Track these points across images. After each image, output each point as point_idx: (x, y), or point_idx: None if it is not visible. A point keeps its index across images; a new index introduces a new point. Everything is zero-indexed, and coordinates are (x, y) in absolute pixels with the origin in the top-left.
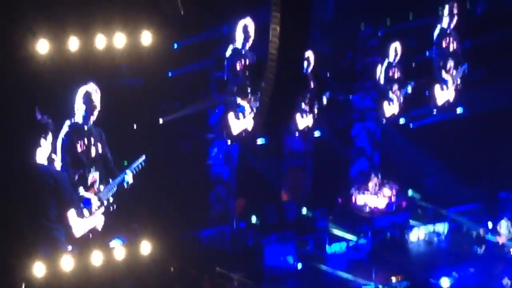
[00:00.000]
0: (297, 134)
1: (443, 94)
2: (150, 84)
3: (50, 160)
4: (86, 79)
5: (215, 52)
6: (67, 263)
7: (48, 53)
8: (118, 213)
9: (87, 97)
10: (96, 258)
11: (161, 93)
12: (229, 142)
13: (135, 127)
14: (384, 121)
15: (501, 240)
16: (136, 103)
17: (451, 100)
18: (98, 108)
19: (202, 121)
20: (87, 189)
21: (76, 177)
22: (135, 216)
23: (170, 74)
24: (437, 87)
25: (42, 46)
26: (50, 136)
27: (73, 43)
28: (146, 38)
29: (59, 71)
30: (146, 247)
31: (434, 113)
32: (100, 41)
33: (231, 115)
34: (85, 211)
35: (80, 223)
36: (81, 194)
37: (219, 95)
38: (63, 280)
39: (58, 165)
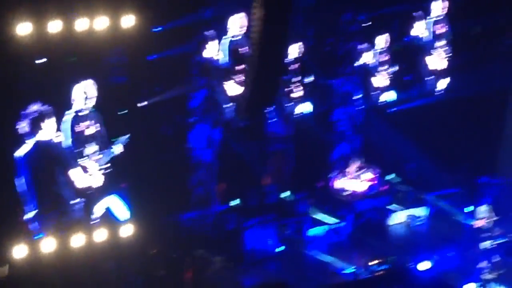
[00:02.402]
0: (290, 103)
1: (435, 62)
2: (131, 67)
3: (52, 138)
4: (85, 76)
5: (197, 35)
6: (48, 244)
7: (29, 36)
8: (112, 175)
9: (86, 90)
10: (77, 239)
11: (142, 77)
12: (228, 105)
13: (123, 112)
14: (376, 92)
15: (479, 223)
16: (120, 91)
17: (442, 67)
18: (95, 97)
19: (183, 105)
20: (88, 158)
21: (80, 149)
22: (123, 178)
23: (151, 58)
24: (430, 58)
25: (24, 29)
26: (51, 119)
27: (55, 26)
28: (128, 21)
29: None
30: (127, 230)
31: (432, 77)
32: (81, 25)
33: (230, 82)
34: (87, 173)
35: (82, 177)
36: (83, 161)
37: (201, 79)
38: (44, 262)
39: (57, 140)
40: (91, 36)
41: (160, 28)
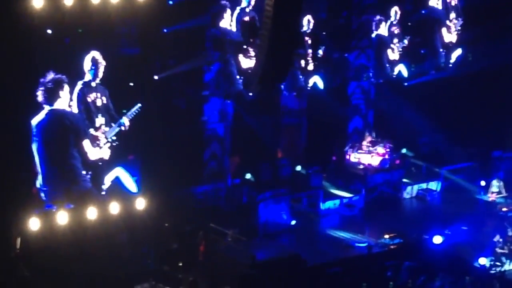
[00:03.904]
0: (301, 76)
1: (448, 36)
2: (146, 40)
3: (68, 107)
4: (92, 48)
5: (211, 8)
6: (62, 217)
7: (44, 8)
8: (119, 147)
9: (94, 61)
10: (91, 212)
11: (156, 50)
12: (238, 76)
13: (131, 84)
14: (388, 66)
15: (491, 197)
16: (133, 63)
17: (454, 41)
18: (103, 69)
19: (196, 78)
20: (95, 129)
21: (87, 121)
22: (131, 150)
23: (165, 31)
24: (444, 30)
25: (39, 1)
26: (66, 88)
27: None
28: None
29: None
30: (141, 203)
31: (441, 50)
32: None
33: (241, 56)
34: (95, 145)
35: (93, 151)
36: (91, 133)
37: (214, 52)
38: (59, 234)
39: (74, 110)
40: (106, 8)
41: (173, 1)
